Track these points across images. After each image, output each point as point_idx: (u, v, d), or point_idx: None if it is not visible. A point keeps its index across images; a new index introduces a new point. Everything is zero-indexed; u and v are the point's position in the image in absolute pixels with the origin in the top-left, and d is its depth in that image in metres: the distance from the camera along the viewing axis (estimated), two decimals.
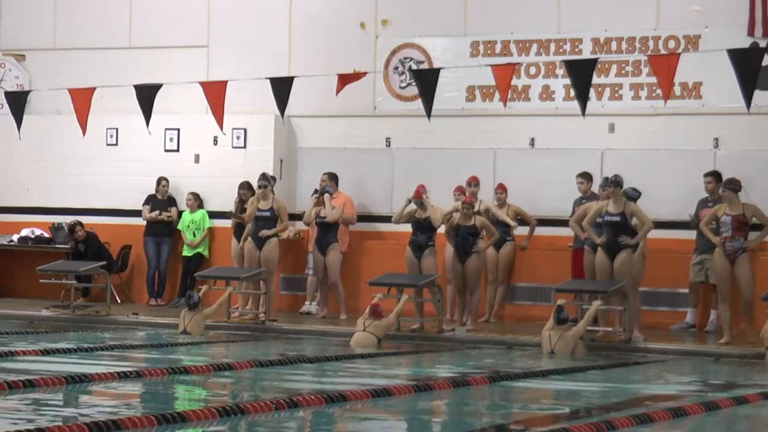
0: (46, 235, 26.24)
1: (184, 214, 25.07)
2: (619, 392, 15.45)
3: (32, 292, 24.51)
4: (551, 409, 14.09)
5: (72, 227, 25.01)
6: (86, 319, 22.49)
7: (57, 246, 25.82)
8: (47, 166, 26.20)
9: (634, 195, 20.81)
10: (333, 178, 23.38)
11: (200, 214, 24.93)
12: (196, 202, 24.90)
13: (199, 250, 24.93)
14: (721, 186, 20.44)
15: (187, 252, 24.99)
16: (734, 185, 20.12)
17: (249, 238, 22.70)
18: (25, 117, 18.13)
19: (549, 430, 12.00)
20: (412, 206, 21.72)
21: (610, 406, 14.14)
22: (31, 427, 10.73)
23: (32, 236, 26.19)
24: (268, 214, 22.40)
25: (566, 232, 22.55)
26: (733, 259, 20.09)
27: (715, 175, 21.34)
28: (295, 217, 24.13)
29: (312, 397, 13.96)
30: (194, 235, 24.93)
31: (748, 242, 19.91)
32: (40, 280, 23.41)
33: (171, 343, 19.80)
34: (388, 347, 19.51)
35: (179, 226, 25.11)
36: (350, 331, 20.46)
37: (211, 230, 24.95)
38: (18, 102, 18.22)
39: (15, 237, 26.17)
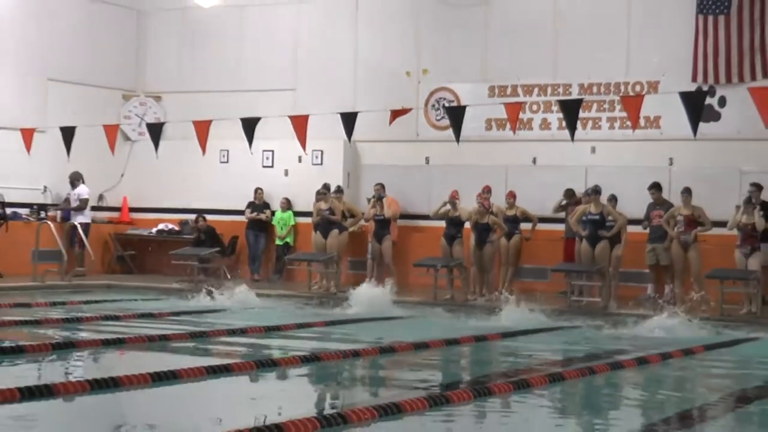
0: (176, 228, 26.45)
1: (276, 212, 25.18)
2: (596, 347, 15.44)
3: (167, 270, 24.65)
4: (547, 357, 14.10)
5: (196, 219, 25.28)
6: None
7: (184, 236, 26.03)
8: (177, 178, 26.39)
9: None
10: (382, 187, 23.42)
11: (288, 214, 25.04)
12: (286, 204, 25.02)
13: (287, 240, 25.06)
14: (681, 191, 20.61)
15: (278, 241, 25.12)
16: (688, 190, 20.47)
17: (318, 230, 22.88)
18: (161, 142, 18.26)
19: (547, 375, 12.05)
20: (446, 208, 21.87)
21: (591, 356, 14.17)
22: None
23: (166, 229, 26.41)
24: (327, 212, 22.59)
25: (559, 226, 22.63)
26: (686, 248, 20.28)
27: (656, 187, 21.43)
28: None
29: (370, 348, 14.07)
30: (281, 229, 25.06)
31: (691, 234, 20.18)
32: (172, 261, 23.61)
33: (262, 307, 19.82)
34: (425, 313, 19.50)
35: (273, 221, 25.23)
36: (400, 300, 20.47)
37: (295, 225, 25.05)
38: (156, 131, 18.36)
39: (154, 230, 26.41)
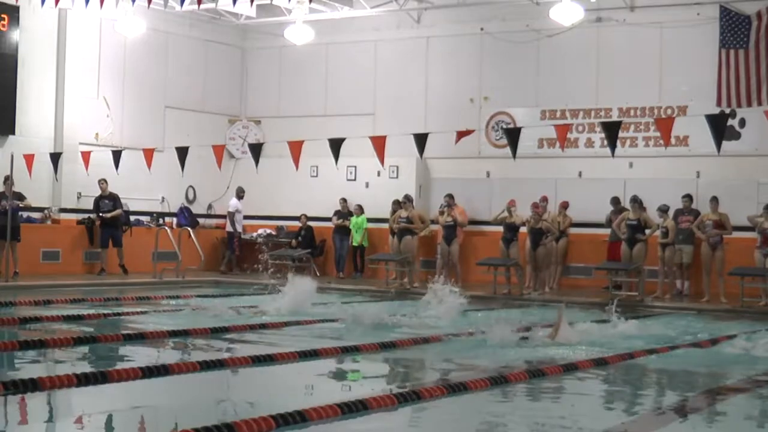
0: (273, 233, 26.53)
1: (352, 218, 25.17)
2: (637, 335, 15.18)
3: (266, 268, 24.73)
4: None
5: (300, 218, 25.52)
6: None
7: (280, 239, 26.10)
8: (274, 190, 26.52)
9: (664, 208, 21.20)
10: (452, 197, 23.37)
11: (362, 218, 25.00)
12: (360, 210, 24.98)
13: (362, 242, 25.03)
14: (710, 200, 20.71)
15: (355, 243, 25.11)
16: (716, 199, 20.52)
17: (395, 234, 22.92)
18: (260, 160, 18.26)
19: (590, 360, 11.91)
20: (504, 214, 21.83)
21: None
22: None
23: (265, 234, 26.49)
24: (405, 221, 22.61)
25: (603, 230, 22.52)
26: (714, 248, 20.18)
27: (689, 196, 21.30)
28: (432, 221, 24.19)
29: (443, 335, 13.94)
30: (356, 232, 25.01)
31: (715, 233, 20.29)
32: (269, 261, 23.66)
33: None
34: (489, 305, 19.40)
35: (351, 226, 25.21)
36: (465, 294, 20.38)
37: (370, 229, 24.99)
38: (256, 150, 18.34)
39: (254, 234, 26.49)
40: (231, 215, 25.63)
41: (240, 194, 25.80)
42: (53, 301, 17.10)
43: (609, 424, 8.50)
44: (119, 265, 23.22)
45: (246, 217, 26.94)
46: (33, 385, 8.97)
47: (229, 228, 25.75)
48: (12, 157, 20.59)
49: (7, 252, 20.75)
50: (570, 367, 11.22)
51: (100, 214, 23.29)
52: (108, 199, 23.36)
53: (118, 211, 23.39)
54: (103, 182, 23.07)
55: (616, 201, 22.41)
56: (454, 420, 8.78)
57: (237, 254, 25.67)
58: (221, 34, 27.51)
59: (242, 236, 25.93)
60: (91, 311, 16.00)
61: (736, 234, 20.57)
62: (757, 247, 19.87)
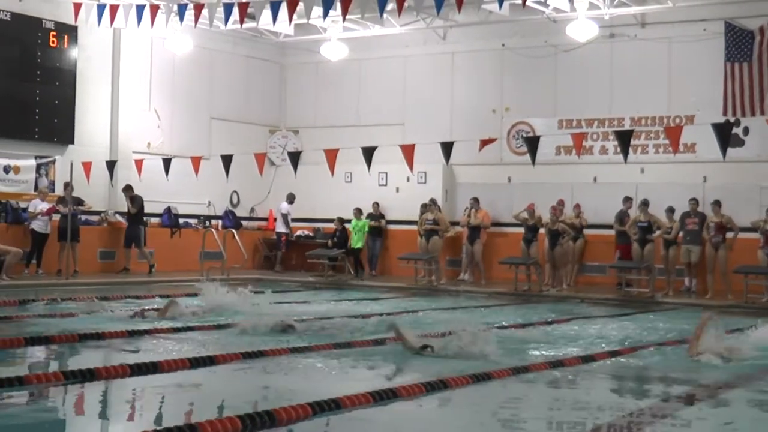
0: (311, 234, 26.57)
1: (353, 221, 24.97)
2: (647, 328, 15.13)
3: (304, 267, 24.86)
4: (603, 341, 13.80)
5: (337, 220, 25.29)
6: (335, 281, 22.72)
7: (317, 240, 26.13)
8: (311, 195, 26.52)
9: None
10: (476, 200, 23.38)
11: (363, 222, 24.87)
12: (359, 214, 24.94)
13: (359, 245, 24.84)
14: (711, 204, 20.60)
15: (353, 245, 24.89)
16: (718, 202, 20.36)
17: (423, 235, 22.95)
18: (299, 166, 18.31)
19: (607, 351, 11.86)
20: (524, 215, 21.89)
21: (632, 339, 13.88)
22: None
23: (303, 235, 26.54)
24: (431, 222, 22.71)
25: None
26: (716, 248, 20.08)
27: (695, 200, 21.18)
28: (455, 223, 24.18)
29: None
30: (356, 234, 24.86)
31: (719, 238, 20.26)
32: (308, 260, 23.70)
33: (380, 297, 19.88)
34: (510, 300, 19.41)
35: (351, 228, 24.97)
36: (487, 291, 20.40)
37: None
38: (294, 158, 18.41)
39: (293, 235, 26.50)
40: (284, 217, 25.87)
41: (291, 199, 25.93)
42: (110, 297, 17.22)
43: None
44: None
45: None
46: (90, 375, 9.08)
47: (279, 229, 25.93)
48: (72, 164, 20.78)
49: (67, 252, 21.00)
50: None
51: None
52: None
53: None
54: (126, 189, 22.85)
55: (626, 199, 22.31)
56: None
57: (283, 252, 25.79)
58: (262, 50, 27.61)
59: (289, 237, 26.06)
60: (146, 306, 16.09)
61: (741, 235, 20.39)
62: (760, 247, 19.81)
